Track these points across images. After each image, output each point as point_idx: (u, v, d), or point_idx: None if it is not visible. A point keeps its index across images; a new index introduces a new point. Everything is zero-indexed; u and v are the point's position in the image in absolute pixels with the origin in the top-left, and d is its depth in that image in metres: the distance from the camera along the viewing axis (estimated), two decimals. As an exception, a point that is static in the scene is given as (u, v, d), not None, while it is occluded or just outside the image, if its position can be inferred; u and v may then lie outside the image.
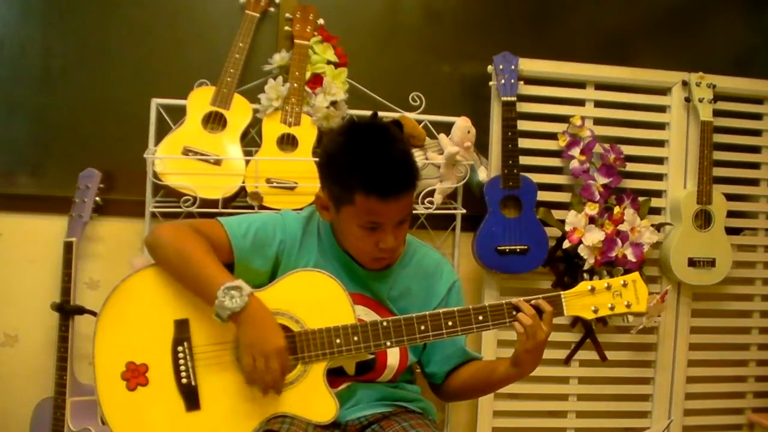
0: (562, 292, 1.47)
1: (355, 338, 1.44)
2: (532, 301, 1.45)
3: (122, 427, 1.42)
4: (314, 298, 1.47)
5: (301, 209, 1.65)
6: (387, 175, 1.40)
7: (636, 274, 1.50)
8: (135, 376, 1.44)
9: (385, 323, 1.45)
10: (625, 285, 1.48)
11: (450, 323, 1.45)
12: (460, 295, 1.65)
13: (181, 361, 1.44)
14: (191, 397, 1.44)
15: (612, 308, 1.47)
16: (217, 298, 1.36)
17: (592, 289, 1.47)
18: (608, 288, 1.47)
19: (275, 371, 1.38)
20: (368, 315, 1.53)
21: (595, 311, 1.47)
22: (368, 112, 2.17)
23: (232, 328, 1.45)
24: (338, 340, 1.44)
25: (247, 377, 1.41)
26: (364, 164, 1.40)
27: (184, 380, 1.44)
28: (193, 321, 1.46)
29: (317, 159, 2.05)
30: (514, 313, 1.45)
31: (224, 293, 1.36)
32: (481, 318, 1.46)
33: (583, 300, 1.47)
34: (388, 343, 1.45)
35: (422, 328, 1.45)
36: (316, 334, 1.44)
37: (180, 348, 1.45)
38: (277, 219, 1.57)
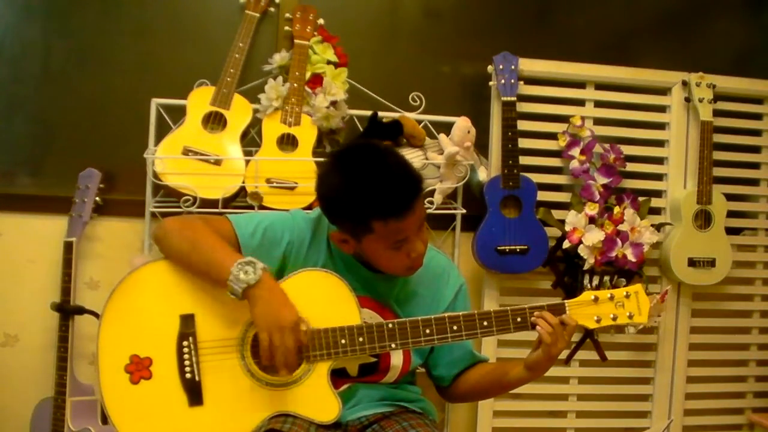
0: (566, 301, 1.49)
1: (360, 339, 1.44)
2: (564, 316, 1.45)
3: (124, 421, 1.42)
4: (321, 298, 1.47)
5: (308, 208, 1.64)
6: (395, 195, 1.38)
7: (639, 286, 1.51)
8: (139, 369, 1.44)
9: (390, 325, 1.46)
10: (627, 296, 1.49)
11: (455, 327, 1.46)
12: (467, 299, 1.65)
13: (186, 356, 1.44)
14: (194, 393, 1.44)
15: (614, 318, 1.49)
16: (231, 273, 1.36)
17: (596, 299, 1.49)
18: (611, 298, 1.49)
19: (290, 346, 1.37)
20: (373, 318, 1.52)
21: (598, 321, 1.49)
22: (368, 112, 2.18)
23: (237, 325, 1.45)
24: (343, 341, 1.44)
25: (263, 354, 1.39)
26: (370, 194, 1.38)
27: (188, 375, 1.44)
28: (199, 316, 1.46)
29: (317, 159, 2.08)
30: (518, 319, 1.46)
31: (238, 268, 1.36)
32: (485, 324, 1.46)
33: (587, 309, 1.48)
34: (393, 345, 1.46)
35: (427, 331, 1.46)
36: (321, 334, 1.44)
37: (185, 343, 1.45)
38: (286, 219, 1.56)
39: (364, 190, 1.38)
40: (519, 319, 1.47)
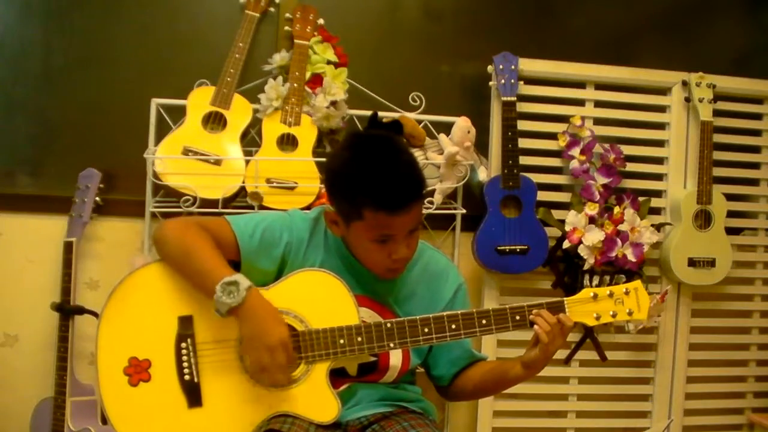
0: (565, 299, 1.48)
1: (359, 339, 1.44)
2: (561, 316, 1.45)
3: (123, 423, 1.42)
4: (319, 298, 1.47)
5: (308, 208, 1.64)
6: (394, 189, 1.39)
7: (638, 282, 1.51)
8: (137, 371, 1.44)
9: (389, 324, 1.45)
10: (627, 293, 1.49)
11: (453, 326, 1.46)
12: (466, 298, 1.65)
13: (184, 358, 1.44)
14: (193, 394, 1.44)
15: (614, 315, 1.48)
16: (216, 294, 1.36)
17: (595, 296, 1.48)
18: (610, 295, 1.49)
19: (280, 363, 1.37)
20: (372, 318, 1.52)
21: (597, 318, 1.48)
22: (368, 112, 2.17)
23: (236, 327, 1.45)
24: (342, 341, 1.44)
25: (252, 372, 1.40)
26: (371, 180, 1.39)
27: (186, 377, 1.44)
28: (197, 318, 1.46)
29: (317, 159, 2.08)
30: (517, 318, 1.46)
31: (222, 289, 1.36)
32: (484, 322, 1.46)
33: (586, 306, 1.48)
34: (392, 345, 1.46)
35: (426, 330, 1.46)
36: (320, 334, 1.45)
37: (183, 344, 1.45)
38: (284, 219, 1.57)
39: (367, 174, 1.39)
40: (518, 318, 1.47)
